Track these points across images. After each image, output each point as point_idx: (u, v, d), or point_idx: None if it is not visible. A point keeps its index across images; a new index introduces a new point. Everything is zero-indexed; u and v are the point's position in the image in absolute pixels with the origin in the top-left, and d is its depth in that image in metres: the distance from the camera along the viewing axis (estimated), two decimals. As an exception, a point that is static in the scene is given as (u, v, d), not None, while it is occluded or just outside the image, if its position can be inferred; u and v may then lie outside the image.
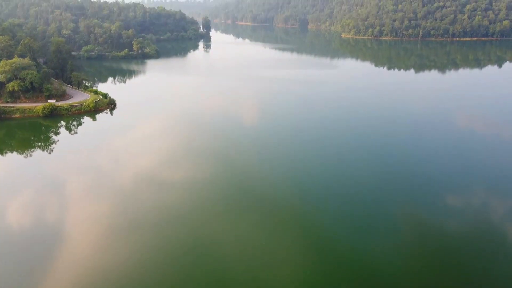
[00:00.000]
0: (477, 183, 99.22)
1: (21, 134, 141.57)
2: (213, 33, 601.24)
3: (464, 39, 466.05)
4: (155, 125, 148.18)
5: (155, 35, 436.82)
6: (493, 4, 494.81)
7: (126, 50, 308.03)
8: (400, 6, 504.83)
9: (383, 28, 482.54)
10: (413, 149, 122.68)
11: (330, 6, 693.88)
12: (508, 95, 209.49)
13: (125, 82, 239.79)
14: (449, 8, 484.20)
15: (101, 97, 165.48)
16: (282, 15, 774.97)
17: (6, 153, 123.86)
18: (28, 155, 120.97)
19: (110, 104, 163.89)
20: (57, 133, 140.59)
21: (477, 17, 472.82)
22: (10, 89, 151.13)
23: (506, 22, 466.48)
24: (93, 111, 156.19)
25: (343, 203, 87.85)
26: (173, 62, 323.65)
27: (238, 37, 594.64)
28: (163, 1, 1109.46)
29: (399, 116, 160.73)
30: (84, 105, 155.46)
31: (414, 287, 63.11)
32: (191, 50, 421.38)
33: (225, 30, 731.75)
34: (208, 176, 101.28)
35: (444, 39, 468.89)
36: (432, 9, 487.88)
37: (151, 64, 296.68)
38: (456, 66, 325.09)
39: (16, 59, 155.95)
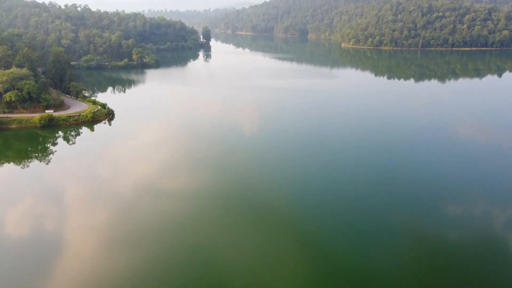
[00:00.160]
0: (477, 191, 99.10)
1: (18, 145, 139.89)
2: (213, 42, 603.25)
3: (463, 48, 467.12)
4: (154, 135, 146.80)
5: (155, 45, 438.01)
6: (492, 14, 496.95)
7: (125, 60, 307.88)
8: (399, 16, 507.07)
9: (382, 38, 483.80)
10: (413, 157, 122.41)
11: (330, 16, 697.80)
12: (508, 104, 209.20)
13: (124, 91, 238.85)
14: (448, 18, 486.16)
15: (100, 107, 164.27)
16: (282, 25, 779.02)
17: (3, 163, 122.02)
18: (26, 165, 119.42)
19: (108, 114, 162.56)
20: (54, 144, 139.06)
21: (476, 27, 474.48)
22: (7, 99, 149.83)
23: (505, 32, 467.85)
24: (91, 121, 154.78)
25: (342, 210, 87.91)
26: (173, 72, 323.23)
27: (238, 47, 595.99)
28: (164, 11, 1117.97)
29: (399, 125, 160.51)
30: (82, 116, 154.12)
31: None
32: (191, 60, 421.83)
33: (225, 40, 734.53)
34: (207, 184, 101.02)
35: (443, 48, 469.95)
36: (431, 19, 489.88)
37: (150, 73, 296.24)
38: (456, 75, 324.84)
39: (14, 69, 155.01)
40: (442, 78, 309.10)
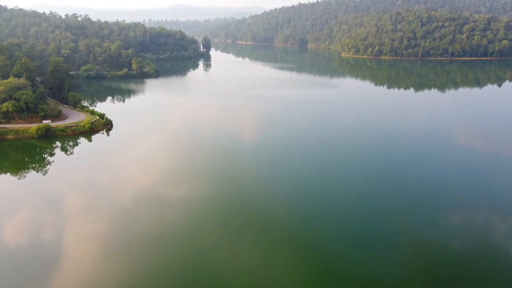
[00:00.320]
0: (477, 200, 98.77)
1: (14, 156, 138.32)
2: (213, 52, 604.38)
3: (463, 58, 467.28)
4: (152, 144, 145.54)
5: (155, 55, 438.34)
6: (492, 24, 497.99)
7: (125, 70, 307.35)
8: (399, 26, 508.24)
9: (382, 48, 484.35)
10: (413, 166, 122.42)
11: (330, 26, 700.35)
12: (508, 113, 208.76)
13: (123, 101, 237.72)
14: (447, 28, 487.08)
15: (98, 117, 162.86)
16: (282, 34, 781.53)
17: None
18: (22, 176, 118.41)
19: (106, 125, 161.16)
20: (52, 154, 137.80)
21: (475, 37, 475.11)
22: (4, 110, 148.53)
23: (505, 41, 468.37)
24: (89, 131, 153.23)
25: (343, 220, 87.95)
26: (173, 81, 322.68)
27: (238, 56, 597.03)
28: (164, 21, 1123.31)
29: (399, 134, 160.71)
30: (80, 126, 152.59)
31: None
32: (191, 69, 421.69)
33: (225, 49, 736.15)
34: (207, 194, 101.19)
35: (443, 58, 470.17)
36: (430, 29, 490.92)
37: (150, 83, 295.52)
38: (455, 85, 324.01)
39: (11, 79, 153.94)
40: (442, 87, 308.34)
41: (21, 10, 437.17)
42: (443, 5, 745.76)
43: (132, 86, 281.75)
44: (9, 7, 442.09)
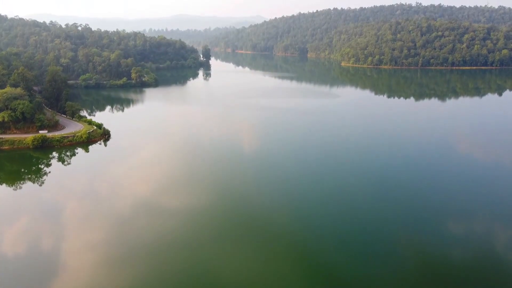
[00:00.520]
0: (479, 210, 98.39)
1: (10, 167, 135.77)
2: (213, 61, 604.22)
3: (463, 67, 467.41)
4: (151, 155, 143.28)
5: (155, 64, 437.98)
6: (491, 33, 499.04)
7: (124, 79, 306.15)
8: (398, 35, 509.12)
9: (382, 57, 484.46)
10: (413, 176, 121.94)
11: (329, 36, 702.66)
12: (509, 123, 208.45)
13: (122, 110, 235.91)
14: (447, 38, 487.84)
15: (95, 127, 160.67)
16: (282, 43, 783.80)
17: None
18: (18, 187, 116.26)
19: (104, 135, 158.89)
20: (48, 165, 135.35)
21: (475, 46, 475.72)
22: (0, 120, 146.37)
23: (505, 51, 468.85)
24: (86, 142, 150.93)
25: (343, 229, 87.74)
26: (172, 91, 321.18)
27: (238, 66, 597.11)
28: (164, 30, 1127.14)
29: (400, 143, 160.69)
30: (77, 136, 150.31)
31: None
32: (191, 79, 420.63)
33: (225, 59, 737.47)
34: (206, 203, 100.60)
35: (443, 67, 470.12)
36: (430, 38, 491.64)
37: (149, 92, 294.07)
38: (456, 94, 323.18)
39: (8, 89, 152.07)
40: (442, 97, 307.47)
41: (21, 19, 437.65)
42: (442, 15, 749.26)
43: (131, 95, 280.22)
44: (9, 16, 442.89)
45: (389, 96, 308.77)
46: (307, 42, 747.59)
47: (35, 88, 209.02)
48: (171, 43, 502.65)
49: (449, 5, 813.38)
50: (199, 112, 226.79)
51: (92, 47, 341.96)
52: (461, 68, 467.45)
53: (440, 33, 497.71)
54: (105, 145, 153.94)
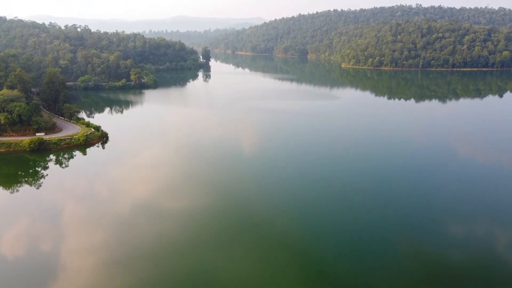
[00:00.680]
0: (478, 211, 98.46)
1: (6, 169, 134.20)
2: (212, 62, 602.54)
3: (464, 69, 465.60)
4: (149, 157, 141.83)
5: (155, 65, 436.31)
6: (492, 35, 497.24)
7: (123, 80, 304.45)
8: (399, 37, 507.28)
9: (383, 59, 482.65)
10: (413, 177, 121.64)
11: (329, 37, 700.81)
12: (509, 124, 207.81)
13: (121, 112, 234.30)
14: (448, 39, 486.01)
15: (93, 129, 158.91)
16: (282, 45, 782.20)
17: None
18: (15, 190, 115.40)
19: (102, 137, 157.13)
20: (45, 168, 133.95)
21: (476, 47, 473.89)
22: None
23: (506, 52, 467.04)
24: (83, 144, 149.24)
25: (341, 230, 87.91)
26: (172, 92, 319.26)
27: (238, 67, 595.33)
28: (164, 32, 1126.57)
29: (400, 145, 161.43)
30: (74, 139, 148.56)
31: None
32: (190, 80, 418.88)
33: (225, 60, 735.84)
34: (205, 205, 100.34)
35: (444, 69, 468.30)
36: (431, 39, 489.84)
37: (148, 94, 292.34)
38: (456, 96, 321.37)
39: (4, 91, 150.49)
40: (443, 98, 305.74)
41: (20, 21, 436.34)
42: (442, 16, 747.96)
43: (130, 97, 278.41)
44: (8, 17, 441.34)
45: (389, 98, 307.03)
46: (307, 43, 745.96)
47: (33, 89, 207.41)
48: (170, 44, 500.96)
49: (449, 6, 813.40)
50: (198, 114, 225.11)
51: (91, 48, 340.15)
52: (461, 69, 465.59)
53: (440, 34, 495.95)
54: (103, 147, 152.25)
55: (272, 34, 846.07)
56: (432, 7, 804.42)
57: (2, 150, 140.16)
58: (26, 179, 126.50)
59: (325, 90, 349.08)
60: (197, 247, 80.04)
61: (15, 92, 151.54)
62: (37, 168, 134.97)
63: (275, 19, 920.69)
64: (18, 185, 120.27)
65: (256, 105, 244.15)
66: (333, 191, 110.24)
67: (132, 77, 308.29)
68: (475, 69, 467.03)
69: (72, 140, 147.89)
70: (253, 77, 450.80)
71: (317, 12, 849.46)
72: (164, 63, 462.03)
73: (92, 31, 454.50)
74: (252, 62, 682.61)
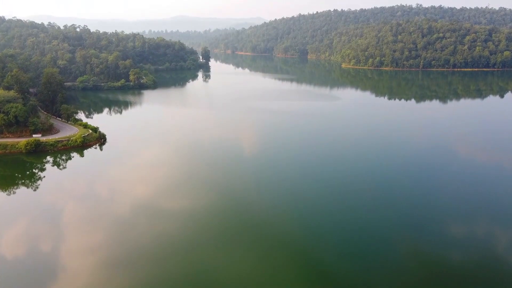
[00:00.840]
0: (479, 212, 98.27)
1: (2, 171, 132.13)
2: (212, 63, 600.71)
3: (465, 69, 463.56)
4: (147, 158, 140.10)
5: (154, 65, 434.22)
6: (493, 35, 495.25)
7: (122, 81, 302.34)
8: (399, 37, 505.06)
9: (383, 59, 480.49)
10: (414, 177, 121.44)
11: (329, 37, 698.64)
12: (510, 125, 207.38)
13: (120, 113, 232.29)
14: (448, 39, 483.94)
15: (91, 131, 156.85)
16: (282, 45, 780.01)
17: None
18: (12, 192, 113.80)
19: (100, 139, 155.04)
20: (42, 169, 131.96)
21: (477, 47, 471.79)
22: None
23: (507, 52, 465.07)
24: (81, 146, 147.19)
25: (341, 230, 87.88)
26: (171, 93, 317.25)
27: (238, 67, 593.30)
28: (164, 32, 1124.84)
29: (400, 145, 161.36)
30: (72, 140, 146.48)
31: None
32: (190, 80, 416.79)
33: (225, 60, 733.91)
34: (206, 208, 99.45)
35: (445, 69, 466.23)
36: (431, 40, 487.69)
37: (147, 94, 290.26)
38: (457, 96, 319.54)
39: (0, 92, 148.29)
40: (443, 99, 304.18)
41: (19, 21, 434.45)
42: (443, 16, 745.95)
43: (129, 97, 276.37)
44: (7, 18, 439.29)
45: (390, 98, 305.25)
46: (307, 43, 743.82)
47: (31, 90, 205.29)
48: (170, 44, 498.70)
49: (449, 6, 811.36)
50: (198, 115, 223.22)
51: (90, 48, 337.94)
52: (462, 69, 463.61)
53: (441, 34, 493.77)
54: (101, 149, 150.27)
55: (272, 34, 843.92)
56: (433, 7, 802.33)
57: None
58: (23, 181, 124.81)
59: (325, 90, 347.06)
60: (197, 247, 79.84)
61: (12, 93, 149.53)
62: (34, 170, 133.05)
63: (275, 19, 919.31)
64: (15, 187, 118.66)
65: (256, 106, 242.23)
66: (333, 191, 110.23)
67: (131, 77, 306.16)
68: (476, 69, 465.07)
69: (69, 142, 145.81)
70: (253, 77, 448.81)
71: (317, 12, 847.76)
72: (163, 63, 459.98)
73: (92, 31, 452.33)
74: (252, 62, 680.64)
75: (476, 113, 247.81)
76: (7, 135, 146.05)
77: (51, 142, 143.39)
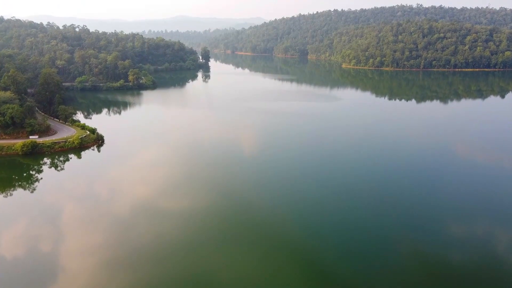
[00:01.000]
0: (479, 213, 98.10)
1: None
2: (212, 63, 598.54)
3: (466, 69, 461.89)
4: (145, 160, 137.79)
5: (153, 65, 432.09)
6: (494, 35, 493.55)
7: (121, 81, 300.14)
8: (400, 37, 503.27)
9: (384, 59, 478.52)
10: (414, 178, 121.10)
11: (330, 37, 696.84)
12: (511, 126, 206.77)
13: (119, 113, 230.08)
14: (449, 39, 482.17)
15: (88, 132, 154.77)
16: (282, 45, 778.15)
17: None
18: (9, 194, 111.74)
19: (97, 140, 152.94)
20: (39, 171, 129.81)
21: (478, 48, 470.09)
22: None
23: (508, 53, 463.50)
24: (78, 147, 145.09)
25: (341, 230, 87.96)
26: (170, 93, 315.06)
27: (238, 67, 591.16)
28: (164, 32, 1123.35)
29: (400, 146, 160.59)
30: (69, 142, 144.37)
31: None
32: (190, 81, 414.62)
33: (225, 60, 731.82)
34: (206, 208, 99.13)
35: (446, 69, 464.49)
36: (432, 40, 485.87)
37: (147, 95, 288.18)
38: (458, 97, 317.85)
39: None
40: (444, 99, 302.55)
41: (17, 20, 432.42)
42: (443, 17, 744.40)
43: (128, 98, 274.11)
44: (6, 17, 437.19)
45: (390, 99, 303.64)
46: (307, 43, 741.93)
47: (29, 90, 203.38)
48: (169, 44, 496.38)
49: (450, 6, 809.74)
50: (197, 115, 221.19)
51: (89, 48, 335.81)
52: (463, 70, 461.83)
53: (442, 34, 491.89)
54: (99, 150, 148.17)
55: (272, 34, 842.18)
56: (433, 7, 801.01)
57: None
58: (20, 182, 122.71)
59: (326, 90, 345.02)
60: (197, 247, 79.83)
61: (8, 94, 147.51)
62: (31, 172, 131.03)
63: (275, 19, 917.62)
64: (12, 188, 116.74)
65: (256, 106, 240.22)
66: (333, 191, 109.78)
67: (130, 77, 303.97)
68: (477, 69, 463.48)
69: (66, 143, 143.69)
70: (253, 77, 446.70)
71: (317, 12, 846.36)
72: (163, 63, 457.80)
73: (91, 31, 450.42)
74: (252, 62, 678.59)
75: (477, 113, 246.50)
76: (4, 136, 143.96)
77: (48, 144, 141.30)
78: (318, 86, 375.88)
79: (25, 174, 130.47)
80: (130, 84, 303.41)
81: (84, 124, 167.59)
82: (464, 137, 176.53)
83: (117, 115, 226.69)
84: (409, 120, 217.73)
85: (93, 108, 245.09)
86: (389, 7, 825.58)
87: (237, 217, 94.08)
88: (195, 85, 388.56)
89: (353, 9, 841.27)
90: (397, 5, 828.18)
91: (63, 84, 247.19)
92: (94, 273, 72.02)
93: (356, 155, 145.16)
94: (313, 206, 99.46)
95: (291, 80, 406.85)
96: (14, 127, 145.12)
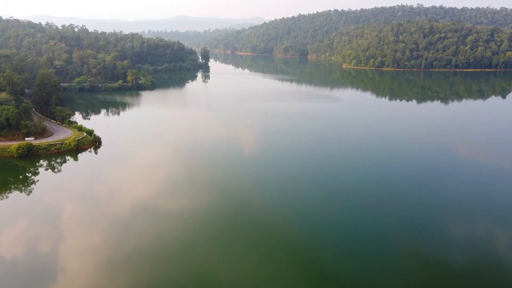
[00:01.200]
0: (479, 213, 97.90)
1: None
2: (212, 63, 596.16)
3: (467, 70, 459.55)
4: (143, 162, 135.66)
5: (153, 66, 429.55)
6: (495, 35, 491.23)
7: (120, 82, 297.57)
8: (401, 37, 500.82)
9: (384, 59, 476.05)
10: (414, 178, 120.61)
11: (330, 37, 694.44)
12: (511, 126, 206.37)
13: (118, 114, 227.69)
14: (450, 39, 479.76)
15: (85, 134, 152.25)
16: (282, 45, 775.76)
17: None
18: (5, 197, 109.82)
19: (94, 142, 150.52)
20: (35, 173, 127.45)
21: (479, 48, 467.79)
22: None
23: (509, 53, 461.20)
24: (75, 150, 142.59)
25: (341, 230, 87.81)
26: (170, 94, 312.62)
27: (238, 67, 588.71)
28: (164, 32, 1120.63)
29: (401, 146, 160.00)
30: (65, 144, 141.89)
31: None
32: (189, 81, 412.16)
33: (225, 60, 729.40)
34: (206, 208, 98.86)
35: (447, 70, 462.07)
36: (433, 40, 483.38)
37: (145, 96, 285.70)
38: (459, 97, 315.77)
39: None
40: (445, 99, 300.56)
41: (16, 20, 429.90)
42: (444, 17, 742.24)
43: (127, 98, 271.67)
44: (4, 17, 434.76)
45: (391, 99, 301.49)
46: (307, 43, 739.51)
47: (27, 91, 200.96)
48: (169, 44, 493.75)
49: (450, 6, 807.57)
50: (197, 115, 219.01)
51: (88, 48, 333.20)
52: (464, 70, 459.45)
53: (443, 34, 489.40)
54: (96, 152, 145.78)
55: (272, 34, 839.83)
56: (434, 7, 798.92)
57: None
58: (16, 185, 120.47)
59: (326, 91, 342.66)
60: (197, 247, 79.77)
61: (4, 95, 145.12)
62: (27, 174, 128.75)
63: (275, 19, 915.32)
64: (8, 191, 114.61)
65: (256, 106, 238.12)
66: (334, 191, 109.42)
67: (129, 78, 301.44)
68: (478, 69, 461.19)
69: (63, 145, 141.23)
70: (253, 77, 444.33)
71: (317, 12, 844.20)
72: (162, 63, 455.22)
73: (90, 31, 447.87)
74: (252, 62, 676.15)
75: (478, 113, 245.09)
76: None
77: (44, 146, 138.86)
78: (318, 87, 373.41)
79: (21, 177, 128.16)
80: (129, 84, 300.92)
81: (81, 125, 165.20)
82: (464, 137, 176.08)
83: (116, 116, 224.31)
84: (410, 121, 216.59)
85: (91, 109, 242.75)
86: (390, 7, 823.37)
87: (237, 217, 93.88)
88: (195, 86, 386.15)
89: (353, 9, 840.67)
90: (398, 5, 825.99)
91: (61, 84, 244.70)
92: (94, 273, 71.78)
93: (356, 155, 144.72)
94: (313, 206, 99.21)
95: (291, 80, 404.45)
96: (10, 128, 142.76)
